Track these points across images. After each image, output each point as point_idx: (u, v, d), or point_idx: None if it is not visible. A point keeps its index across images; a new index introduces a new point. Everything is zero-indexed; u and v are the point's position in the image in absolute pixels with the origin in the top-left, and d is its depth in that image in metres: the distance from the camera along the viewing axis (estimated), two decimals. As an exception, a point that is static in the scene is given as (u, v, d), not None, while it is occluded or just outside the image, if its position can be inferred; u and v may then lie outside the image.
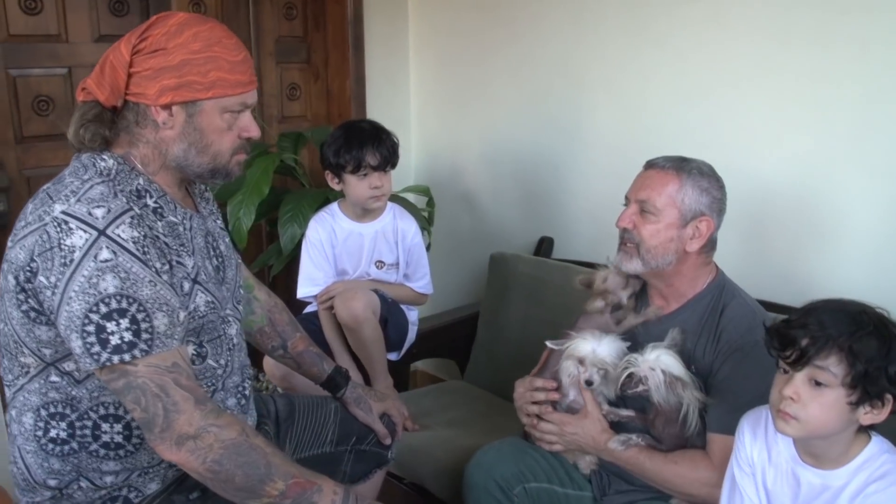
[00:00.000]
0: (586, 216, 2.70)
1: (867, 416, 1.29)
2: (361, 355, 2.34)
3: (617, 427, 1.76)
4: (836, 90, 2.06)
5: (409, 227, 2.46)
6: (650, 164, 1.78)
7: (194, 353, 1.46)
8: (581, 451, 1.80)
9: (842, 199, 2.09)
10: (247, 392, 1.61)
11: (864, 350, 1.25)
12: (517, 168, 2.95)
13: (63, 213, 1.29)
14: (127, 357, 1.28)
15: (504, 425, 2.19)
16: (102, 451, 1.42)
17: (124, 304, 1.27)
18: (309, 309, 2.48)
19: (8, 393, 1.44)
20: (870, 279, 2.06)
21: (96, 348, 1.27)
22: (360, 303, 2.23)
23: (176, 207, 1.45)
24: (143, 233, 1.32)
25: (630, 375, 1.67)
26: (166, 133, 1.40)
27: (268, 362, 2.24)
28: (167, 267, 1.36)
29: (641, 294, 1.86)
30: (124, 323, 1.27)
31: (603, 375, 1.73)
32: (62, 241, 1.27)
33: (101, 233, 1.27)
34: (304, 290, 2.41)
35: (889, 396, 1.28)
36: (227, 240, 1.64)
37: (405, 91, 3.33)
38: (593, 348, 1.72)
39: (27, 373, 1.40)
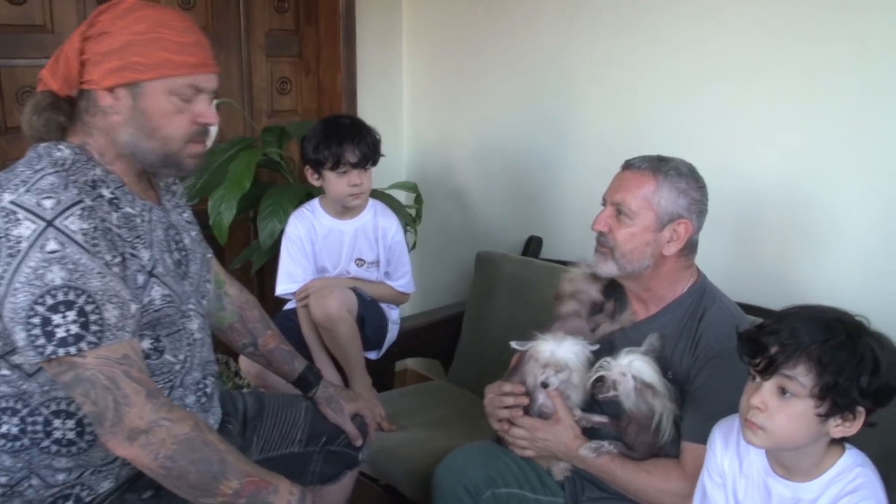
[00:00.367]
0: (576, 215, 2.66)
1: (838, 428, 1.25)
2: (337, 354, 2.31)
3: (590, 433, 1.71)
4: (829, 88, 2.01)
5: (390, 225, 2.43)
6: (627, 165, 1.73)
7: (151, 346, 1.43)
8: (554, 457, 1.76)
9: (834, 200, 2.05)
10: (208, 390, 1.58)
11: (833, 360, 1.20)
12: (508, 165, 2.91)
13: (11, 202, 1.27)
14: (73, 350, 1.25)
15: (484, 427, 2.12)
16: (54, 448, 1.39)
17: (72, 296, 1.25)
18: (288, 306, 2.45)
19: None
20: (862, 283, 2.01)
21: (41, 341, 1.25)
22: (334, 301, 2.20)
23: (134, 199, 1.43)
24: (93, 224, 1.29)
25: (601, 379, 1.63)
26: (114, 119, 1.37)
27: (242, 360, 2.22)
28: (119, 259, 1.33)
29: (621, 297, 1.82)
30: (71, 315, 1.25)
31: (566, 378, 1.68)
32: (9, 232, 1.25)
33: (49, 224, 1.25)
34: (282, 287, 2.38)
35: (861, 409, 1.23)
36: (194, 234, 1.61)
37: (398, 86, 3.29)
38: (552, 350, 1.67)
39: None
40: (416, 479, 2.03)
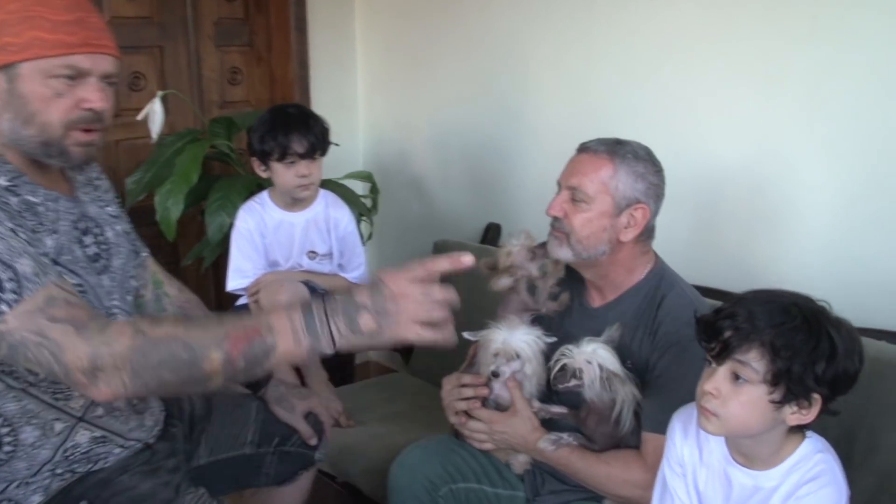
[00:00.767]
0: (533, 201, 2.60)
1: (794, 416, 1.21)
2: (291, 350, 2.24)
3: (549, 425, 1.67)
4: (785, 67, 1.98)
5: (342, 216, 2.36)
6: (583, 148, 1.68)
7: None
8: (512, 449, 1.72)
9: (794, 181, 2.02)
10: None
11: (787, 345, 1.16)
12: (465, 152, 2.87)
13: None
14: None
15: (444, 420, 2.10)
16: None
17: None
18: (241, 301, 2.38)
19: None
20: (823, 266, 1.99)
21: None
22: (285, 295, 2.14)
23: (36, 188, 1.34)
24: None
25: (563, 368, 1.58)
26: None
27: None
28: (24, 232, 1.25)
29: (576, 284, 1.77)
30: None
31: (519, 368, 1.63)
32: None
33: None
34: (233, 282, 2.31)
35: (816, 396, 1.20)
36: (119, 228, 1.53)
37: (352, 74, 3.23)
38: (504, 338, 1.62)
39: None
40: (375, 475, 1.99)
